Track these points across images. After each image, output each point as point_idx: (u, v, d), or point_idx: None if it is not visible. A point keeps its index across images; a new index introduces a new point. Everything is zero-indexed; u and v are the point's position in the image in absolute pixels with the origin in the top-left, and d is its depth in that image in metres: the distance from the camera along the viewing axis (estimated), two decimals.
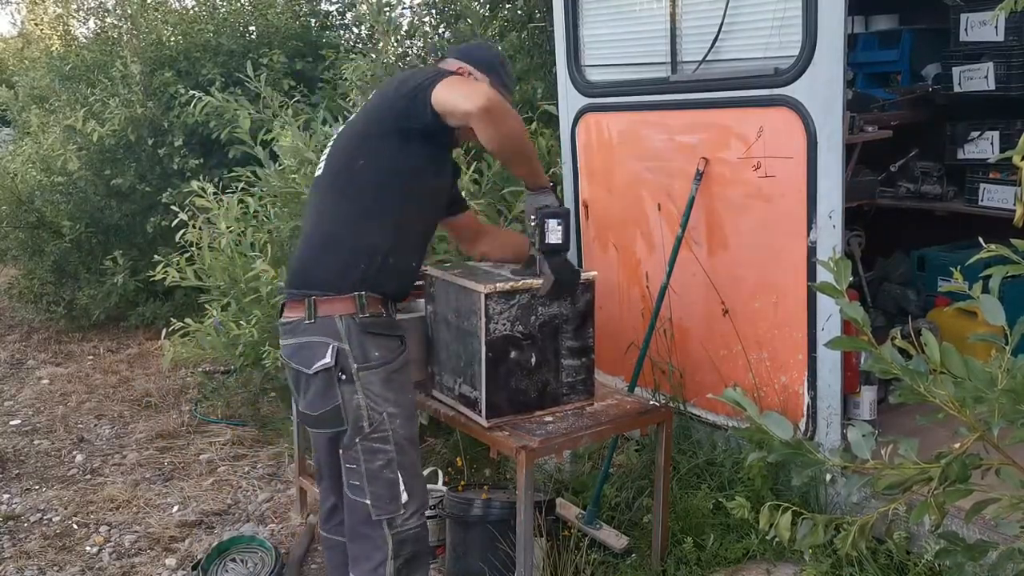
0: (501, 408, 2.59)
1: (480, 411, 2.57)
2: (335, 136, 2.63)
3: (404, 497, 2.40)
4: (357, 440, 2.37)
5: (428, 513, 3.30)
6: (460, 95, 2.25)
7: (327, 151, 2.57)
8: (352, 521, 2.45)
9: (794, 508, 1.58)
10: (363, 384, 2.35)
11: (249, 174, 4.35)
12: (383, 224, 2.39)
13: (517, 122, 2.36)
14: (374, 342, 2.37)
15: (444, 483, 3.46)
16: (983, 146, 4.34)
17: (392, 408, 2.38)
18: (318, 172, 2.57)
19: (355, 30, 7.15)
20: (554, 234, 2.42)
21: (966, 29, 4.21)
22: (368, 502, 2.38)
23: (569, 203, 3.90)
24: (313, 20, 7.09)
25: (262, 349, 4.03)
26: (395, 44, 5.63)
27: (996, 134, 4.29)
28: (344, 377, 2.34)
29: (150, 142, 6.27)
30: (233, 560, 3.36)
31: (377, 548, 2.39)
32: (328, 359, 2.33)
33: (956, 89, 4.26)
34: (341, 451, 2.40)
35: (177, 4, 7.48)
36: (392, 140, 2.36)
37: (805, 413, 3.07)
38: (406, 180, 2.40)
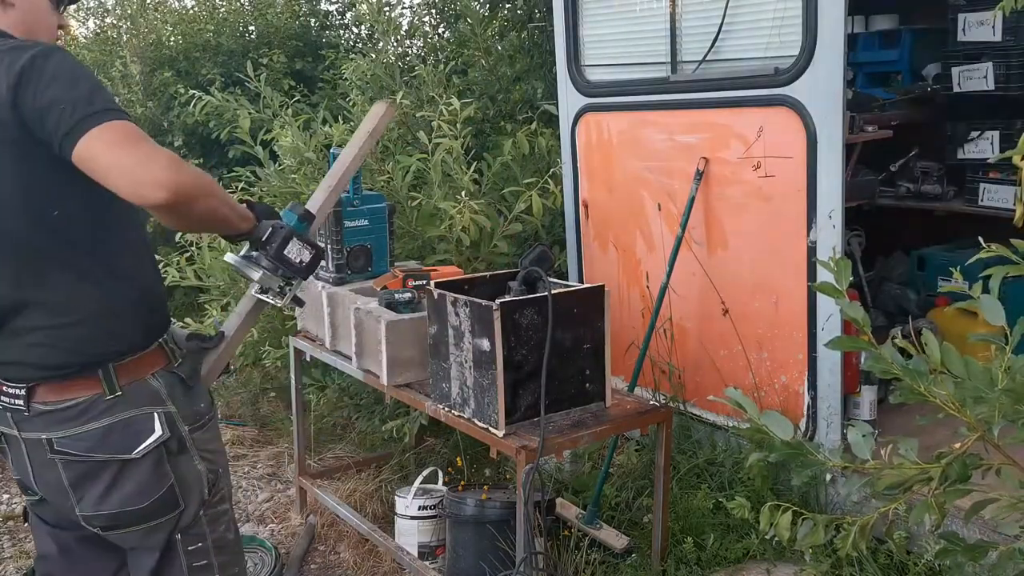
0: (515, 417, 2.58)
1: (497, 423, 2.56)
2: None
3: (241, 553, 2.09)
4: (201, 513, 1.91)
5: (427, 513, 3.32)
6: (128, 173, 1.58)
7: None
8: None
9: (794, 508, 1.58)
10: (199, 445, 1.90)
11: (249, 174, 4.35)
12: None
13: (209, 198, 1.71)
14: (193, 396, 1.92)
15: (444, 483, 3.46)
16: (983, 146, 4.33)
17: (222, 459, 2.00)
18: None
19: (355, 30, 7.16)
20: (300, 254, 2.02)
21: (964, 29, 4.21)
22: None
23: (569, 203, 3.91)
24: (313, 20, 7.09)
25: (262, 349, 4.03)
26: (395, 44, 5.64)
27: (996, 134, 4.29)
28: (178, 447, 1.86)
29: None
30: None
31: None
32: (160, 431, 1.81)
33: (956, 89, 4.26)
34: (179, 536, 1.89)
35: (177, 4, 7.48)
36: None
37: (805, 413, 3.07)
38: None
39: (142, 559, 1.91)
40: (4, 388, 1.79)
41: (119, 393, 1.78)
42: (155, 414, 1.81)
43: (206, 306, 4.41)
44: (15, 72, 1.59)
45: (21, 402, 1.77)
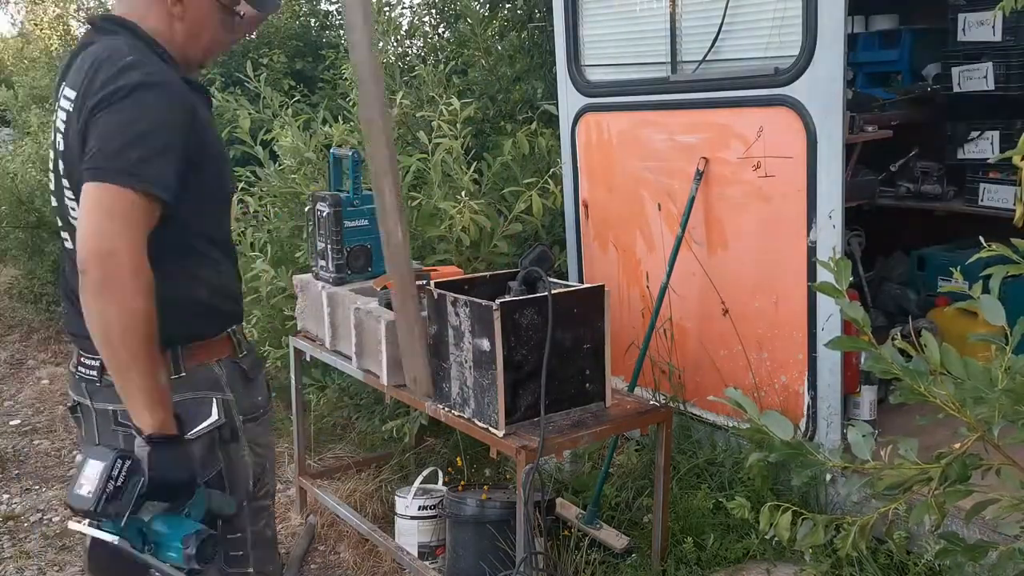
0: (515, 417, 2.58)
1: (497, 423, 2.56)
2: None
3: (275, 551, 2.09)
4: (244, 504, 1.93)
5: (427, 513, 3.32)
6: (86, 222, 1.58)
7: None
8: None
9: (794, 508, 1.58)
10: (249, 439, 1.92)
11: (249, 174, 4.35)
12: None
13: (129, 308, 1.57)
14: (251, 388, 1.95)
15: (444, 483, 3.46)
16: (983, 146, 4.33)
17: (270, 454, 2.02)
18: None
19: None
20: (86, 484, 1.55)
21: (964, 29, 4.21)
22: (251, 571, 1.97)
23: (569, 203, 3.91)
24: (313, 20, 7.10)
25: (262, 349, 4.03)
26: (395, 44, 5.64)
27: (996, 134, 4.29)
28: (231, 435, 1.88)
29: None
30: None
31: None
32: (215, 416, 1.83)
33: (956, 89, 4.26)
34: (221, 523, 1.84)
35: None
36: None
37: (805, 413, 3.07)
38: None
39: None
40: (83, 359, 1.84)
41: (183, 374, 1.81)
42: (214, 399, 1.84)
43: None
44: (98, 96, 1.64)
45: (95, 373, 1.81)
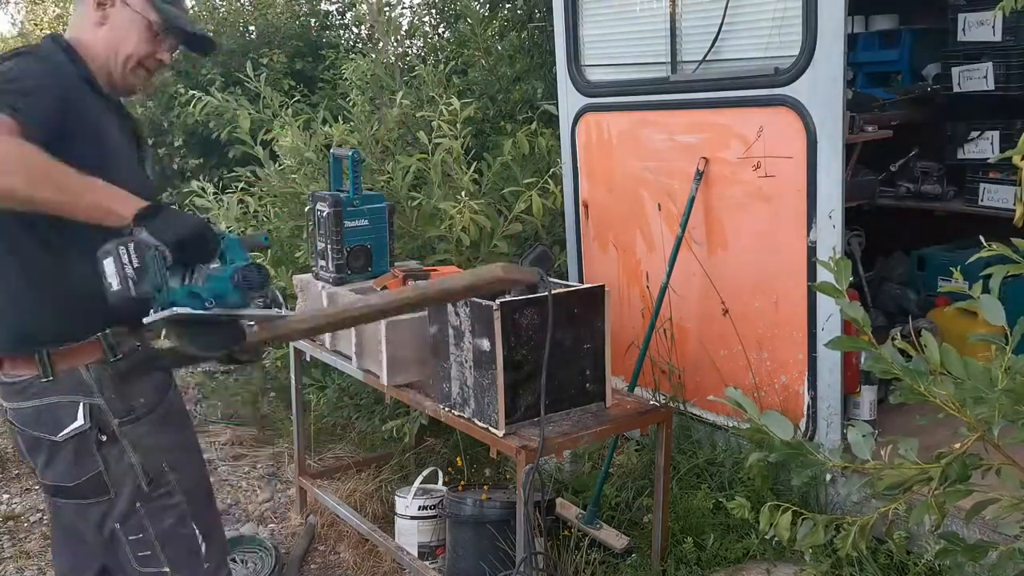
0: (515, 417, 2.58)
1: (497, 423, 2.56)
2: None
3: (203, 548, 2.04)
4: (138, 505, 1.95)
5: (427, 513, 3.32)
6: None
7: None
8: None
9: (794, 508, 1.58)
10: (132, 439, 1.94)
11: (249, 174, 4.35)
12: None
13: (16, 160, 1.56)
14: (130, 389, 1.94)
15: (444, 483, 3.46)
16: (983, 146, 4.33)
17: (172, 455, 2.00)
18: None
19: (355, 30, 7.16)
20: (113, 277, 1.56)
21: (964, 29, 4.21)
22: (166, 570, 2.00)
23: (569, 203, 3.90)
24: (313, 20, 7.09)
25: (262, 349, 4.02)
26: (395, 44, 5.64)
27: (996, 134, 4.29)
28: (105, 438, 1.91)
29: (150, 142, 6.27)
30: (233, 560, 3.36)
31: None
32: (81, 421, 1.89)
33: (956, 89, 4.26)
34: (117, 525, 1.96)
35: None
36: None
37: (805, 413, 3.07)
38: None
39: (91, 537, 2.01)
40: None
41: (51, 378, 1.88)
42: (80, 404, 1.89)
43: None
44: None
45: None
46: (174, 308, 1.57)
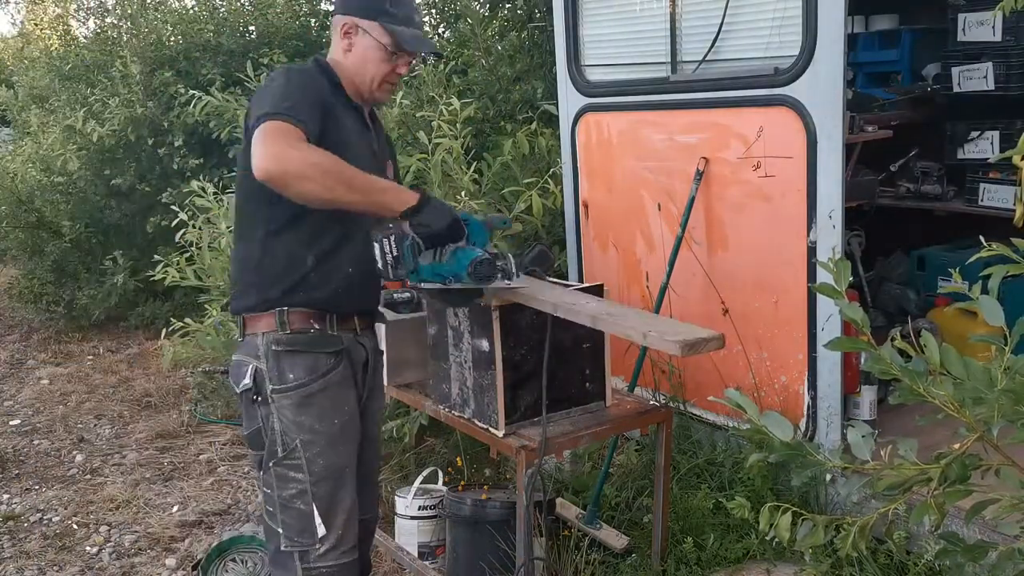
0: (515, 417, 2.58)
1: (497, 423, 2.56)
2: None
3: (320, 530, 2.22)
4: (271, 465, 2.21)
5: (427, 513, 3.32)
6: (260, 153, 1.96)
7: None
8: (270, 547, 2.32)
9: (794, 508, 1.58)
10: (277, 407, 2.19)
11: None
12: (254, 236, 2.23)
13: (326, 166, 1.97)
14: (291, 362, 2.20)
15: (444, 483, 3.46)
16: (983, 146, 4.33)
17: (307, 436, 2.20)
18: None
19: None
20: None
21: (963, 29, 4.21)
22: (280, 531, 2.23)
23: (569, 203, 3.90)
24: (313, 20, 7.09)
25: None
26: None
27: (996, 134, 4.29)
28: (259, 399, 2.20)
29: (150, 142, 6.27)
30: (233, 560, 3.36)
31: None
32: (248, 380, 2.20)
33: (956, 89, 4.26)
34: (259, 474, 2.25)
35: (177, 4, 7.48)
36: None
37: (805, 413, 3.07)
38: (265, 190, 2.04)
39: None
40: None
41: (242, 339, 2.27)
42: (250, 365, 2.21)
43: (206, 306, 4.41)
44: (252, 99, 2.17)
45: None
46: (421, 284, 2.16)
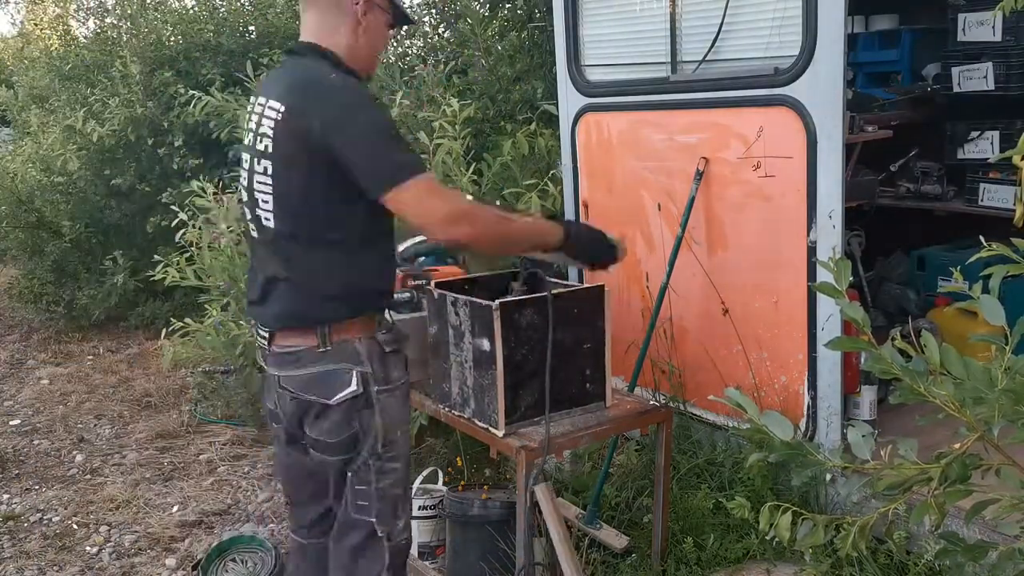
0: (515, 417, 2.58)
1: (497, 423, 2.56)
2: None
3: (399, 510, 2.39)
4: (371, 461, 2.29)
5: (427, 513, 3.32)
6: (420, 214, 2.10)
7: None
8: (352, 539, 2.37)
9: (794, 508, 1.58)
10: (382, 407, 2.26)
11: None
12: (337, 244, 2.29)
13: (492, 218, 2.21)
14: (392, 362, 2.30)
15: (444, 483, 3.46)
16: (983, 146, 4.34)
17: (404, 427, 2.35)
18: None
19: None
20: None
21: (963, 29, 4.21)
22: (373, 519, 2.32)
23: (569, 203, 3.90)
24: None
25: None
26: (395, 44, 5.64)
27: (996, 134, 4.29)
28: (365, 401, 2.24)
29: (150, 142, 6.28)
30: (233, 560, 3.36)
31: (375, 561, 2.35)
32: (354, 387, 2.22)
33: (956, 89, 4.26)
34: (351, 474, 2.31)
35: (177, 4, 7.48)
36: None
37: (805, 413, 3.07)
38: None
39: (332, 479, 2.36)
40: (260, 333, 2.30)
41: (329, 348, 2.20)
42: (354, 372, 2.21)
43: (206, 306, 4.41)
44: (331, 115, 2.05)
45: (265, 343, 2.28)
46: None
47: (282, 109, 2.11)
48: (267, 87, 2.23)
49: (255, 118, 2.19)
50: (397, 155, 2.07)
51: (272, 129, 2.13)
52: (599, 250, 2.43)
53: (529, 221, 2.32)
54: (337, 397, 2.20)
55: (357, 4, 2.21)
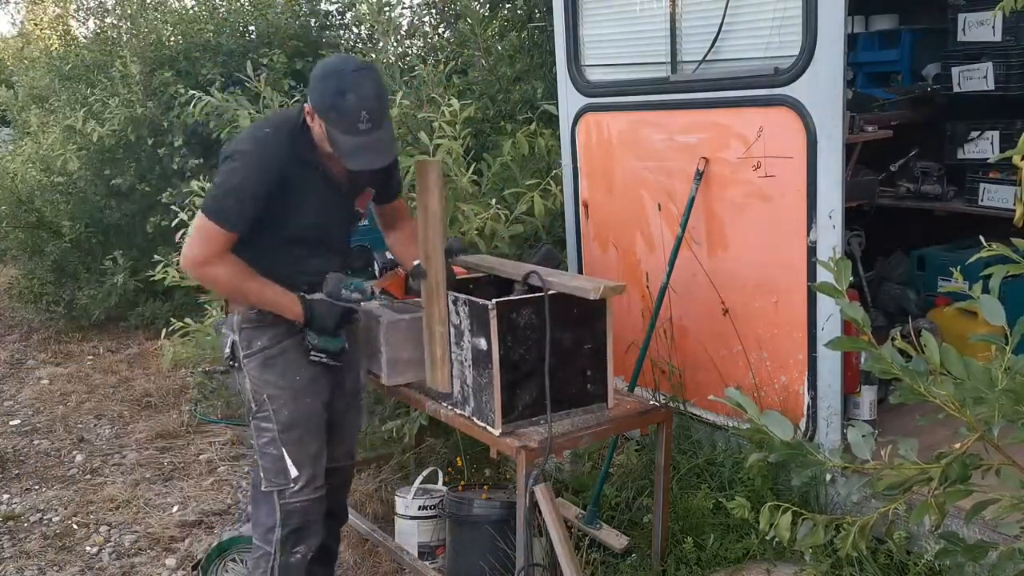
0: (512, 416, 2.58)
1: (494, 422, 2.56)
2: None
3: (293, 472, 2.62)
4: (250, 419, 2.67)
5: (427, 513, 3.32)
6: (187, 247, 2.52)
7: None
8: (253, 490, 2.74)
9: (794, 508, 1.58)
10: (247, 369, 2.62)
11: None
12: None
13: (225, 285, 2.56)
14: (256, 333, 2.62)
15: (444, 483, 3.46)
16: (983, 146, 4.33)
17: (272, 390, 2.61)
18: None
19: (355, 30, 7.15)
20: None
21: (963, 29, 4.21)
22: (261, 475, 2.65)
23: (569, 203, 3.90)
24: (313, 20, 7.09)
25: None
26: (395, 44, 5.64)
27: (996, 134, 4.29)
28: (236, 365, 2.66)
29: (150, 142, 6.27)
30: (233, 560, 3.35)
31: (269, 515, 2.64)
32: (227, 350, 2.67)
33: (956, 89, 4.26)
34: (248, 427, 2.72)
35: (177, 4, 7.48)
36: None
37: (805, 413, 3.07)
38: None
39: None
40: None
41: (224, 318, 2.71)
42: (229, 338, 2.66)
43: (206, 306, 4.41)
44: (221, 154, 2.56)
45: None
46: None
47: None
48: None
49: None
50: (215, 191, 2.51)
51: None
52: (338, 326, 2.64)
53: (269, 297, 2.57)
54: (224, 354, 2.71)
55: (306, 106, 2.50)
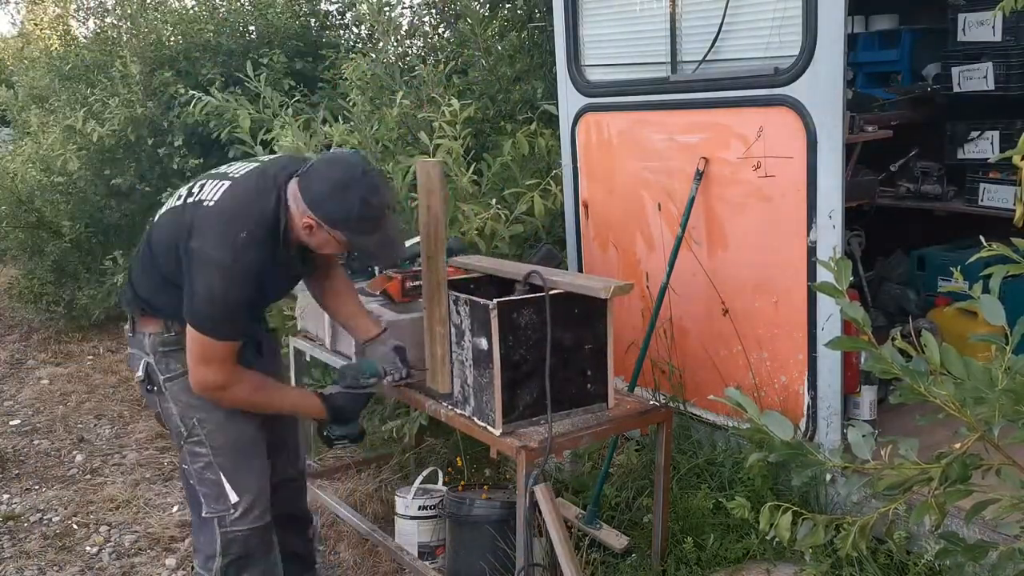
0: (513, 416, 2.58)
1: (494, 422, 2.56)
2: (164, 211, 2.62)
3: (232, 496, 2.54)
4: (182, 444, 2.57)
5: (427, 513, 3.32)
6: (196, 372, 2.42)
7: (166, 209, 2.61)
8: (194, 517, 2.65)
9: (794, 508, 1.58)
10: (170, 394, 2.53)
11: None
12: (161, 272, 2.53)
13: (245, 402, 2.52)
14: (176, 355, 2.50)
15: (444, 483, 3.46)
16: (983, 146, 4.34)
17: (201, 414, 2.52)
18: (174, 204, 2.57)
19: (355, 30, 7.15)
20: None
21: (964, 29, 4.21)
22: (201, 500, 2.57)
23: (569, 203, 3.91)
24: (313, 20, 7.09)
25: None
26: (395, 44, 5.64)
27: (996, 134, 4.29)
28: (156, 388, 2.54)
29: (150, 142, 6.27)
30: None
31: (209, 543, 2.57)
32: (140, 373, 2.55)
33: (956, 89, 4.26)
34: (179, 451, 2.62)
35: (177, 4, 7.47)
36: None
37: (805, 413, 3.07)
38: None
39: None
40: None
41: (132, 335, 2.59)
42: (142, 360, 2.55)
43: None
44: (190, 247, 2.36)
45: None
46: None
47: (204, 204, 2.40)
48: (215, 173, 2.54)
49: (193, 184, 2.51)
50: (209, 312, 2.39)
51: (179, 205, 2.48)
52: (352, 419, 2.71)
53: (289, 403, 2.69)
54: (135, 377, 2.61)
55: (305, 219, 2.38)
